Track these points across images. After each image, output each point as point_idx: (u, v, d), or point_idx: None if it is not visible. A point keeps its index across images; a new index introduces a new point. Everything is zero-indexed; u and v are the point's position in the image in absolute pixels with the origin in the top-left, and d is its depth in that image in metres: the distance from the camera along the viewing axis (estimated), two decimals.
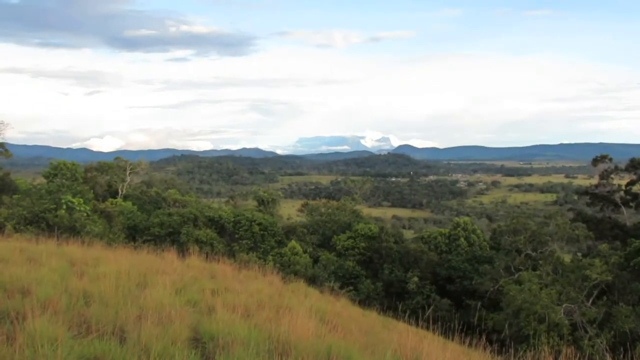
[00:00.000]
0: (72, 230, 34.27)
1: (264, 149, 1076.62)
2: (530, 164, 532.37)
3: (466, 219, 53.10)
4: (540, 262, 36.09)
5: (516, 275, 35.57)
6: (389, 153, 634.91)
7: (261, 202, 64.16)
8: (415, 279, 42.93)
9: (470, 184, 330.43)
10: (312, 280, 35.49)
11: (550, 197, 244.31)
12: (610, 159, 50.75)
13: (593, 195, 53.07)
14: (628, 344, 23.55)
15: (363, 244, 48.18)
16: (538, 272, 33.59)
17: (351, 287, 40.13)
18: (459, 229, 49.20)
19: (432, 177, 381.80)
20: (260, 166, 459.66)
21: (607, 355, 22.45)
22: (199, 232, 45.97)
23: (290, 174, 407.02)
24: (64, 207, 39.55)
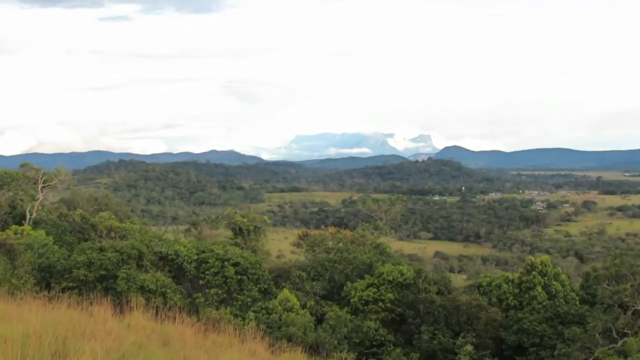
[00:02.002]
0: None
1: (243, 153, 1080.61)
2: None
3: (545, 257, 52.86)
4: None
5: (620, 343, 35.34)
6: (430, 159, 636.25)
7: (238, 231, 64.09)
8: (469, 347, 42.67)
9: (551, 206, 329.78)
10: (314, 349, 35.33)
11: None
12: None
13: None
14: None
15: (391, 295, 47.97)
16: None
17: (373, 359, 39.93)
18: (534, 272, 48.97)
19: (494, 195, 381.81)
20: (238, 177, 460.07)
21: None
22: (145, 277, 45.94)
23: (282, 190, 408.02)
24: None
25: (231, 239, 63.67)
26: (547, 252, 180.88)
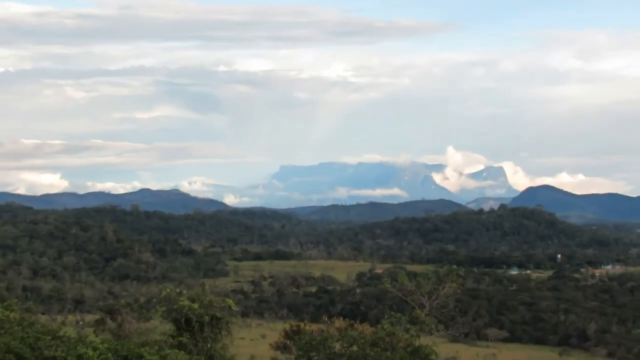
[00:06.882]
0: None
1: (194, 194, 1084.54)
2: None
3: None
4: None
5: None
6: (503, 206, 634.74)
7: (185, 324, 63.94)
8: None
9: None
10: None
11: None
12: None
13: None
14: None
15: None
16: None
17: None
18: None
19: (610, 269, 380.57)
20: (186, 235, 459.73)
21: None
22: None
23: (259, 256, 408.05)
24: None
25: (172, 336, 63.60)
26: None
